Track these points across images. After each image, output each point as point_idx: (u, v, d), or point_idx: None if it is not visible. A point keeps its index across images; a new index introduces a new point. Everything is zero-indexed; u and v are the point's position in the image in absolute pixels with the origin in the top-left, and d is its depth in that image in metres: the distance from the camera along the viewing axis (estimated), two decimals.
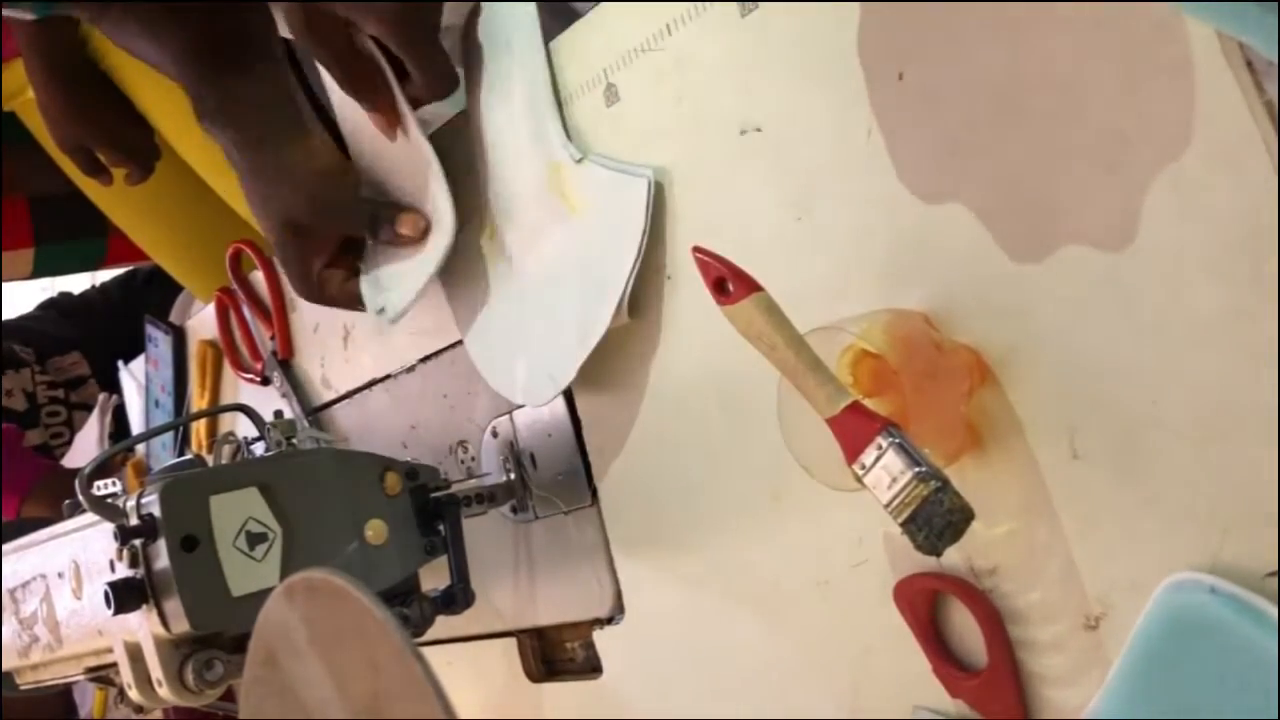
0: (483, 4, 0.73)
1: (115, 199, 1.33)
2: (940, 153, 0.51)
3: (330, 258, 0.77)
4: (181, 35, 0.73)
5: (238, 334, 1.03)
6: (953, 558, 0.51)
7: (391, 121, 0.72)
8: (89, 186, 1.30)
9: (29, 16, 0.74)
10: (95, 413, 1.55)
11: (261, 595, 0.45)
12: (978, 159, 0.49)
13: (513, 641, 0.79)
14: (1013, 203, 0.48)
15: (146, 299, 1.62)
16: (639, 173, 0.63)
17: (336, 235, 0.76)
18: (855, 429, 0.46)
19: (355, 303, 0.77)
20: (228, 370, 1.07)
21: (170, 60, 0.73)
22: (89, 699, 1.35)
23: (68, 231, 1.51)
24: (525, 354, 0.71)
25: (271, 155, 0.72)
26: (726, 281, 0.48)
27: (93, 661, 0.70)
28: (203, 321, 1.12)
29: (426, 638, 0.68)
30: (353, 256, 0.77)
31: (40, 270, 1.54)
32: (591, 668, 0.73)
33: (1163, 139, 0.43)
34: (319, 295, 0.77)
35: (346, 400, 0.92)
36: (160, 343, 1.18)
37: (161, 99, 1.20)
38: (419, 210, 0.73)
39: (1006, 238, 0.49)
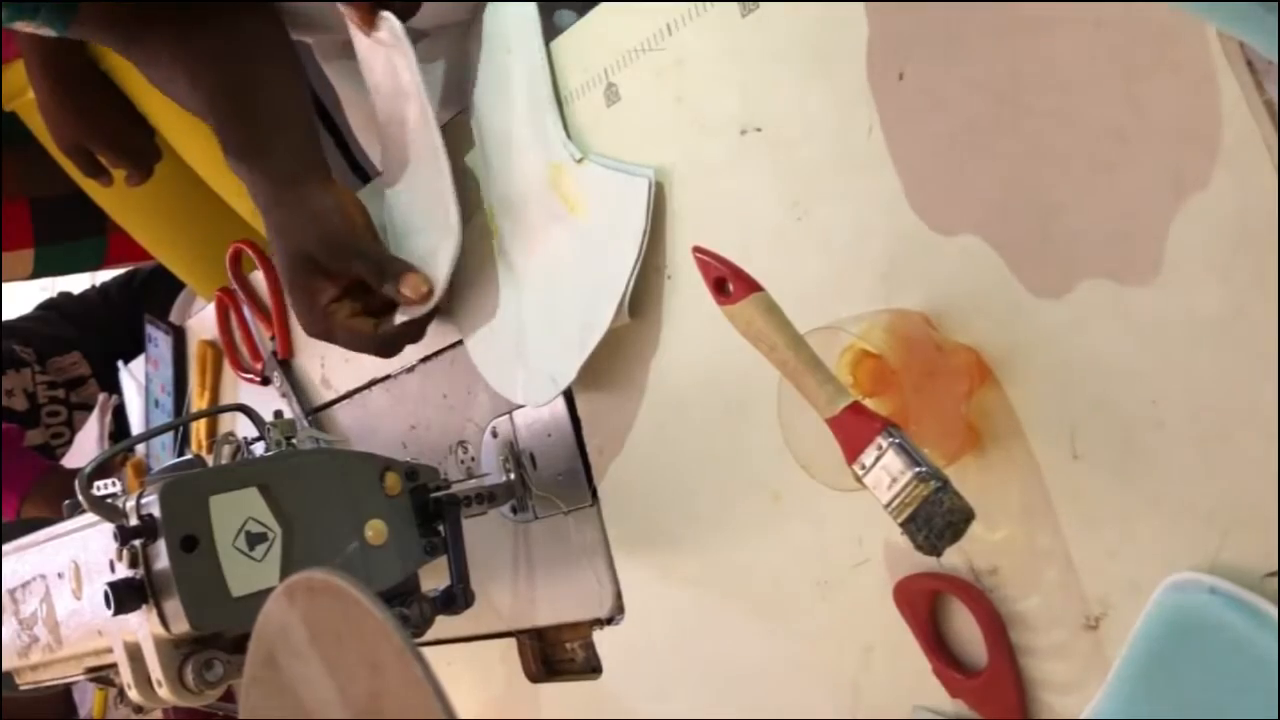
0: (483, 4, 0.73)
1: (116, 198, 1.33)
2: (941, 152, 0.51)
3: (340, 292, 0.76)
4: (214, 77, 0.75)
5: (238, 334, 1.03)
6: (953, 558, 0.51)
7: (366, 19, 0.72)
8: (90, 186, 1.30)
9: (49, 33, 0.75)
10: (95, 413, 1.55)
11: (261, 595, 0.45)
12: (978, 159, 0.49)
13: (512, 641, 0.78)
14: (1013, 203, 0.48)
15: (146, 299, 1.62)
16: (639, 172, 0.63)
17: (346, 275, 0.75)
18: (855, 429, 0.46)
19: (357, 341, 0.76)
20: (228, 370, 1.07)
21: (203, 101, 0.76)
22: (89, 699, 1.35)
23: (68, 232, 1.50)
24: (526, 354, 0.71)
25: (299, 191, 0.74)
26: (726, 281, 0.48)
27: (93, 662, 0.70)
28: (203, 321, 1.12)
29: (426, 638, 0.68)
30: (362, 294, 0.76)
31: (40, 270, 1.54)
32: (591, 668, 0.73)
33: (1162, 139, 0.43)
34: (324, 327, 0.76)
35: (346, 400, 0.92)
36: (160, 343, 1.18)
37: (163, 100, 1.20)
38: (424, 273, 0.73)
39: (1007, 240, 0.49)
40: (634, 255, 0.63)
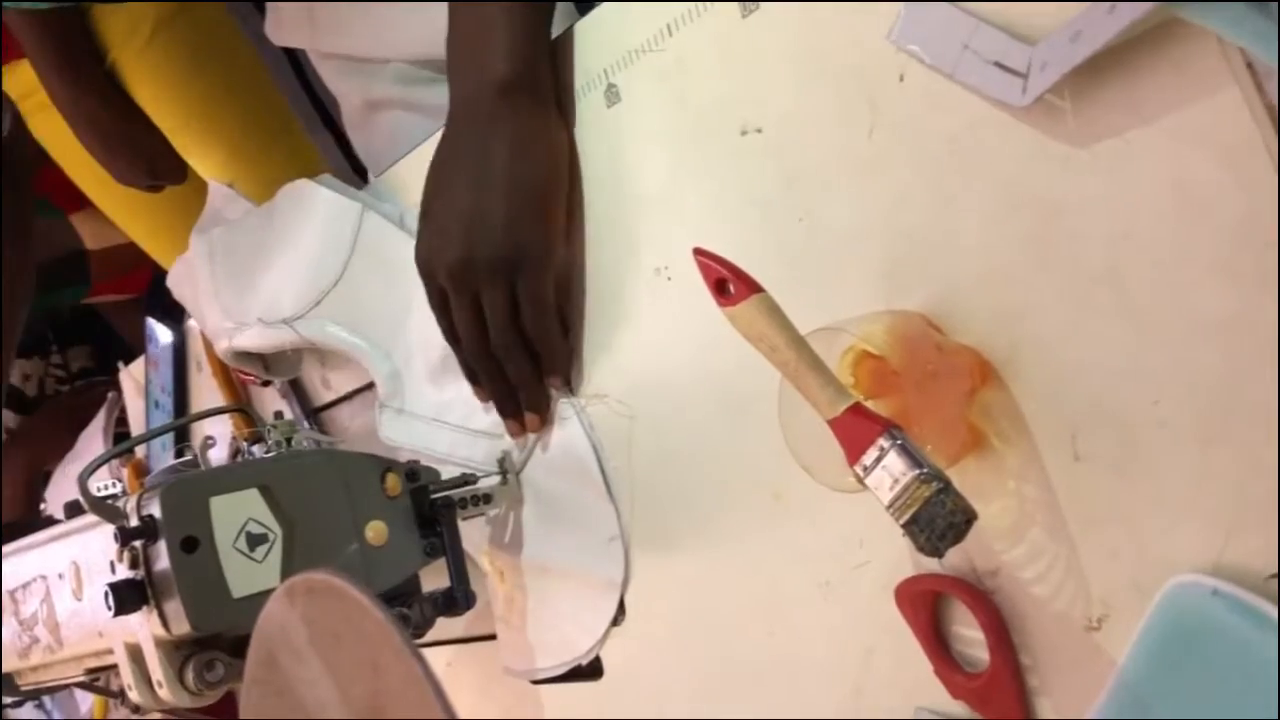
0: None
1: (117, 201, 1.33)
2: (941, 154, 0.50)
3: None
4: None
5: None
6: (954, 559, 0.51)
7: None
8: (94, 190, 1.30)
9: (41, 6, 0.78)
10: (101, 412, 1.55)
11: (262, 596, 0.45)
12: (978, 159, 0.49)
13: None
14: (1012, 203, 0.48)
15: (149, 300, 1.63)
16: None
17: None
18: (857, 430, 0.46)
19: None
20: None
21: None
22: (89, 698, 1.35)
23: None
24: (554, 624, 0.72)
25: None
26: (727, 283, 0.48)
27: (93, 663, 0.70)
28: None
29: (426, 638, 0.68)
30: None
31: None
32: (592, 668, 0.73)
33: (1163, 140, 0.43)
34: None
35: (346, 400, 0.92)
36: (160, 343, 1.18)
37: (162, 99, 1.19)
38: None
39: (1009, 240, 0.49)
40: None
